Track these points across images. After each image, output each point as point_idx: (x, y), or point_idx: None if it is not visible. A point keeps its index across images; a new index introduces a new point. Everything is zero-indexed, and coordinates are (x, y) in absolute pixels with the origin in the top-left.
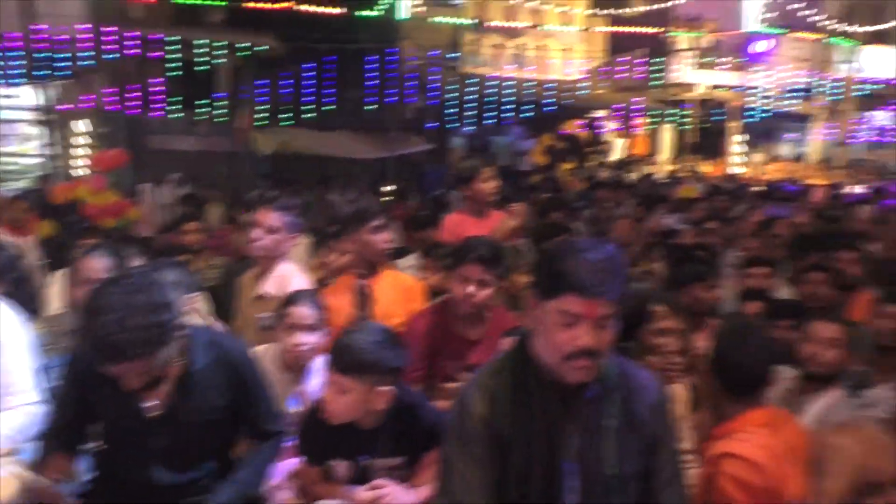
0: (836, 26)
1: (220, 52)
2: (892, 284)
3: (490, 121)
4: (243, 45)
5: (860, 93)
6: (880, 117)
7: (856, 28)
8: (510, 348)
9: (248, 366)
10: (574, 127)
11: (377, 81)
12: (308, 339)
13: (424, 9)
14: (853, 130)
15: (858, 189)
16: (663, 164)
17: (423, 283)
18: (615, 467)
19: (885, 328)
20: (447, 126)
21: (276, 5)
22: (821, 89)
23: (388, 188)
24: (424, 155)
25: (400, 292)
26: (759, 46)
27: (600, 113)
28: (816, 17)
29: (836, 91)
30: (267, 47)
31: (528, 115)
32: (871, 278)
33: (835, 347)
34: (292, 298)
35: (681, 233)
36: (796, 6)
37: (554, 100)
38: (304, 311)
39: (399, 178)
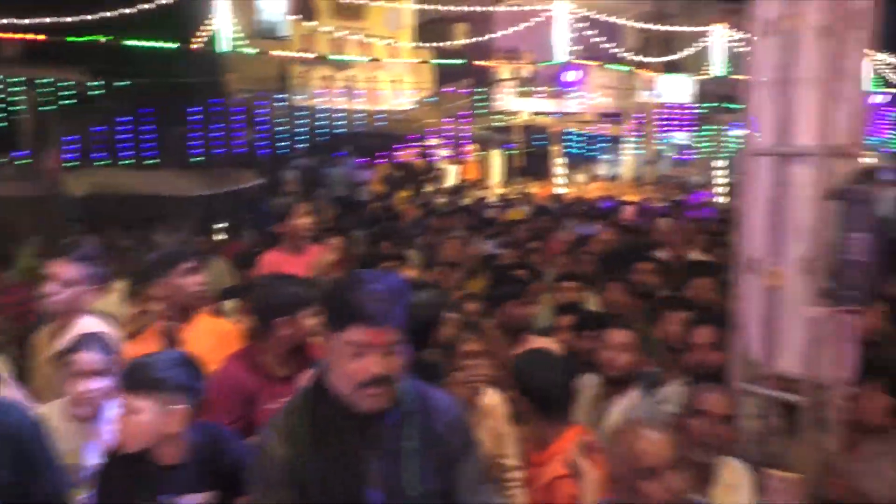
0: (635, 57)
1: (17, 88)
2: (678, 290)
3: (323, 152)
4: (45, 80)
5: (661, 117)
6: (679, 137)
7: (652, 59)
8: (307, 384)
9: (32, 438)
10: (409, 155)
11: (201, 116)
12: (96, 385)
13: (247, 42)
14: (658, 150)
15: (663, 203)
16: (495, 188)
17: (241, 326)
18: (417, 488)
19: (672, 332)
20: (279, 159)
21: (85, 38)
22: (630, 113)
23: (220, 226)
24: (257, 190)
25: (215, 338)
26: (570, 76)
27: (433, 141)
28: (617, 50)
29: (639, 115)
30: (74, 83)
31: (360, 144)
32: (665, 285)
33: (627, 352)
34: (75, 344)
35: (500, 255)
36: (598, 40)
37: (386, 129)
38: (88, 357)
39: (231, 214)
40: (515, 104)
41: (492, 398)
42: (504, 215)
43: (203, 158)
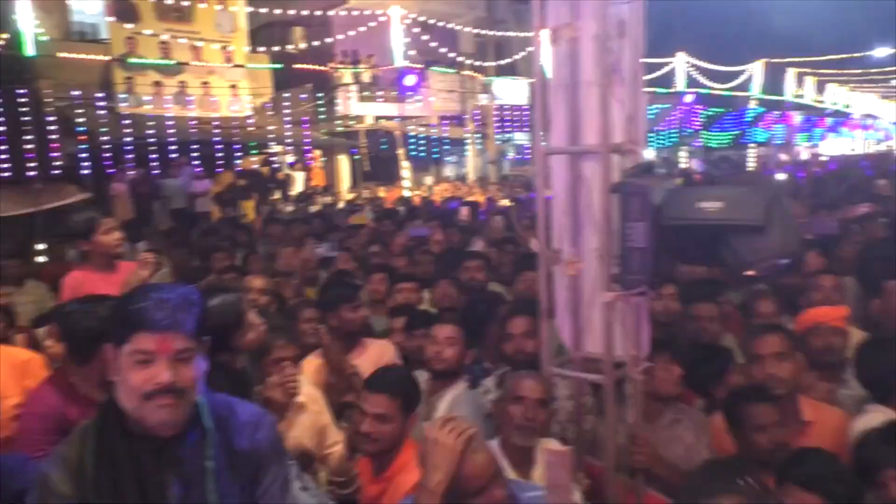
0: (470, 61)
1: None
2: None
3: (155, 162)
4: None
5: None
6: (520, 137)
7: (487, 63)
8: (97, 411)
9: None
10: (251, 163)
11: (6, 127)
12: None
13: (60, 44)
14: (500, 150)
15: (505, 202)
16: (343, 193)
17: (45, 354)
18: None
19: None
20: (106, 172)
21: None
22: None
23: (41, 247)
24: (82, 205)
25: (12, 368)
26: (409, 80)
27: (276, 148)
28: (453, 54)
29: (479, 117)
30: None
31: (197, 153)
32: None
33: (453, 346)
34: None
35: (336, 259)
36: (435, 44)
37: (222, 137)
38: None
39: (53, 234)
40: (358, 109)
41: (309, 393)
42: (348, 220)
43: (12, 174)
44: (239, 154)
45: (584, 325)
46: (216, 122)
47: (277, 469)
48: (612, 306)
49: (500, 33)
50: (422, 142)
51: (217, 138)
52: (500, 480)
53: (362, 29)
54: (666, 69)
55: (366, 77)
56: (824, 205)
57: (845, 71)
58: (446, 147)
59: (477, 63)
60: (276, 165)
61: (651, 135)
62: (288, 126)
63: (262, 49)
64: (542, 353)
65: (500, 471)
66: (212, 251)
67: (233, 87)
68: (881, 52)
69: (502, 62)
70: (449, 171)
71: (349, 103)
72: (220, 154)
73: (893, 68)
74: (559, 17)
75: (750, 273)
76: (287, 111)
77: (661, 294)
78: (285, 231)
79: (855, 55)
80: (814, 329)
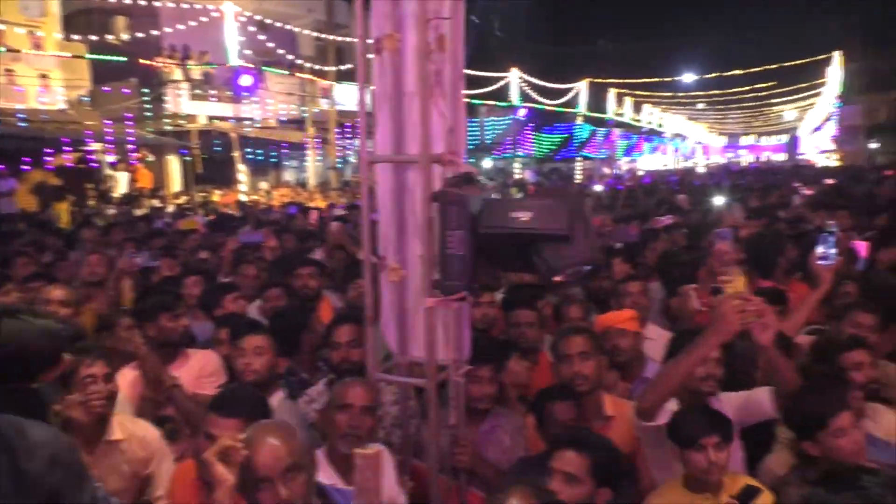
0: (310, 65)
1: None
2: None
3: None
4: None
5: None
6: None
7: (328, 68)
8: None
9: None
10: (63, 161)
11: None
12: None
13: None
14: (341, 156)
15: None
16: (172, 196)
17: None
18: None
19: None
20: None
21: None
22: (310, 119)
23: None
24: None
25: None
26: (244, 80)
27: (94, 145)
28: (291, 56)
29: (320, 122)
30: None
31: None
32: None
33: (260, 356)
34: None
35: (157, 268)
36: (273, 45)
37: (33, 131)
38: None
39: None
40: (190, 107)
41: (141, 434)
42: (176, 225)
43: None
44: (51, 151)
45: (409, 331)
46: (22, 115)
47: (78, 495)
48: (434, 311)
49: (340, 38)
50: (259, 145)
51: (25, 133)
52: (297, 473)
53: (193, 23)
54: (501, 83)
55: (197, 74)
56: (636, 216)
57: (657, 93)
58: (285, 151)
59: (317, 67)
60: (95, 164)
61: (489, 145)
62: (109, 122)
63: (77, 37)
64: (367, 360)
65: (298, 465)
66: (14, 256)
67: (43, 76)
68: (688, 77)
69: (343, 67)
70: (289, 176)
71: (179, 101)
72: (28, 149)
73: (697, 93)
74: (382, 28)
75: (558, 279)
76: (108, 106)
77: (481, 301)
78: (102, 236)
79: (665, 79)
80: (604, 332)
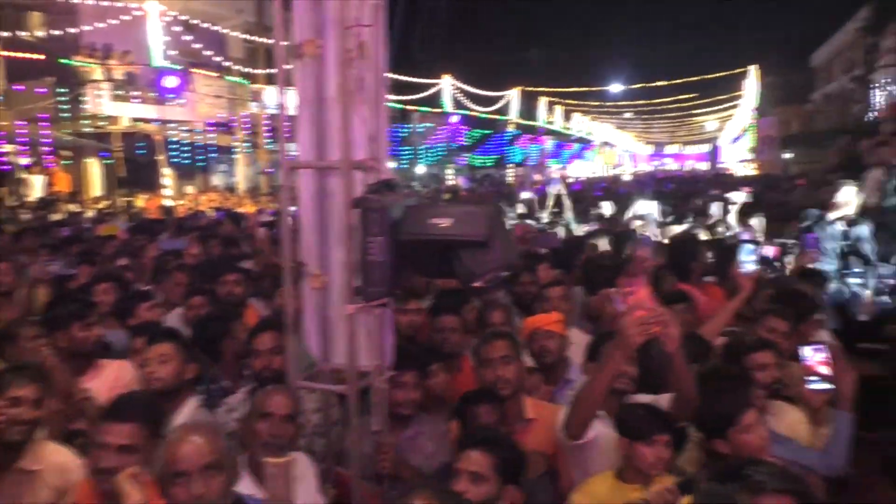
0: (239, 67)
1: None
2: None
3: None
4: None
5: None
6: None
7: (257, 70)
8: None
9: None
10: None
11: None
12: None
13: None
14: (271, 160)
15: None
16: (92, 200)
17: None
18: None
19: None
20: None
21: None
22: (239, 123)
23: None
24: None
25: None
26: (169, 82)
27: (6, 147)
28: (220, 58)
29: (249, 126)
30: None
31: None
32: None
33: (165, 363)
34: None
35: (75, 275)
36: (199, 46)
37: None
38: None
39: None
40: (111, 108)
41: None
42: (96, 230)
43: None
44: None
45: (332, 338)
46: None
47: None
48: (356, 318)
49: (270, 41)
50: (185, 148)
51: None
52: (216, 473)
53: (114, 21)
54: (433, 90)
55: (119, 74)
56: (563, 222)
57: (586, 103)
58: (213, 155)
59: (246, 69)
60: (6, 167)
61: (421, 151)
62: (22, 123)
63: None
64: (287, 368)
65: (218, 464)
66: None
67: None
68: (615, 87)
69: (274, 70)
70: (217, 181)
71: (100, 102)
72: None
73: (625, 102)
74: (304, 33)
75: (477, 284)
76: (21, 106)
77: (407, 308)
78: (14, 242)
79: (594, 89)
80: (531, 334)
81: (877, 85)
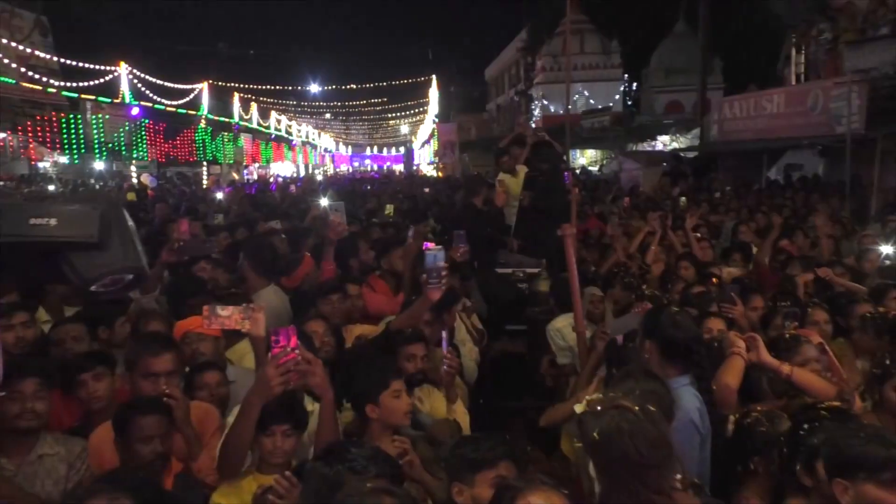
0: None
1: None
2: None
3: None
4: None
5: None
6: None
7: None
8: None
9: None
10: None
11: None
12: None
13: None
14: None
15: None
16: None
17: None
18: None
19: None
20: None
21: None
22: None
23: None
24: None
25: None
26: None
27: None
28: None
29: None
30: None
31: None
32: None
33: None
34: None
35: None
36: None
37: None
38: None
39: None
40: None
41: None
42: None
43: None
44: None
45: None
46: None
47: None
48: None
49: None
50: None
51: None
52: None
53: None
54: (109, 77)
55: None
56: (244, 222)
57: (285, 101)
58: None
59: None
60: None
61: (96, 145)
62: None
63: None
64: None
65: None
66: None
67: None
68: (313, 88)
69: None
70: None
71: None
72: None
73: (322, 103)
74: None
75: (94, 288)
76: None
77: (13, 323)
78: None
79: (290, 87)
80: (183, 337)
81: (535, 99)
